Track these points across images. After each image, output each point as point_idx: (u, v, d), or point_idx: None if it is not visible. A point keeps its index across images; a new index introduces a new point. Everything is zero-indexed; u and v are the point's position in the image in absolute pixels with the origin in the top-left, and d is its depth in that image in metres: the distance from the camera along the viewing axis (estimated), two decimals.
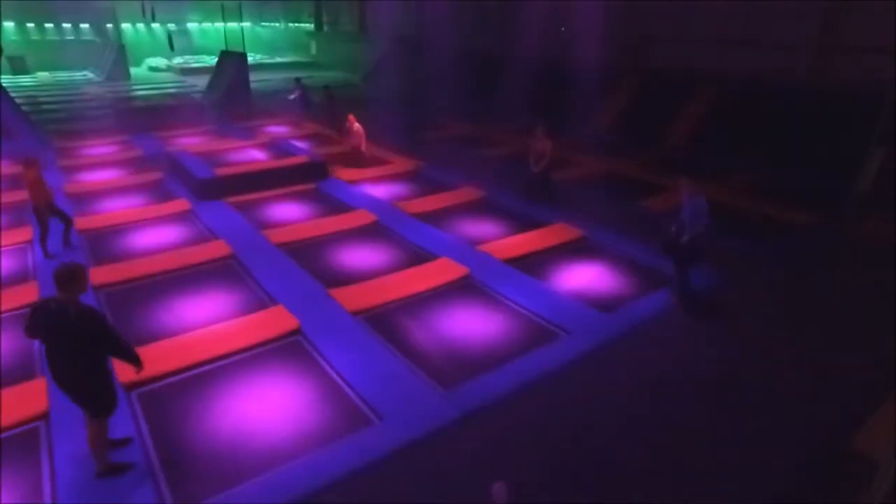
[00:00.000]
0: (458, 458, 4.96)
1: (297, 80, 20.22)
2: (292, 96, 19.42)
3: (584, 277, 8.07)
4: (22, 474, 4.81)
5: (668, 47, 16.54)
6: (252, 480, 4.68)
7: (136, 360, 4.68)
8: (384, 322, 6.88)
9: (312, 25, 36.53)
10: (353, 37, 32.01)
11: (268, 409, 5.51)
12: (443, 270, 8.01)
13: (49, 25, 32.42)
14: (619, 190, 11.44)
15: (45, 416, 5.41)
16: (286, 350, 6.40)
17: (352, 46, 31.47)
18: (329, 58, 33.63)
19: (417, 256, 8.64)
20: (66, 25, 33.08)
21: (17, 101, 17.31)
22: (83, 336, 4.26)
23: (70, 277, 4.22)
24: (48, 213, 8.59)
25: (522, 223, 9.89)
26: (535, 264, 8.37)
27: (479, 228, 9.68)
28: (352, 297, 7.26)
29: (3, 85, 16.53)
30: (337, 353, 6.26)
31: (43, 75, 30.24)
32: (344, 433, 5.18)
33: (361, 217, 10.00)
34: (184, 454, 4.99)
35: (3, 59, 24.13)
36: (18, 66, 29.13)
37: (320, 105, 18.60)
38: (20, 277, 8.21)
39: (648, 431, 5.24)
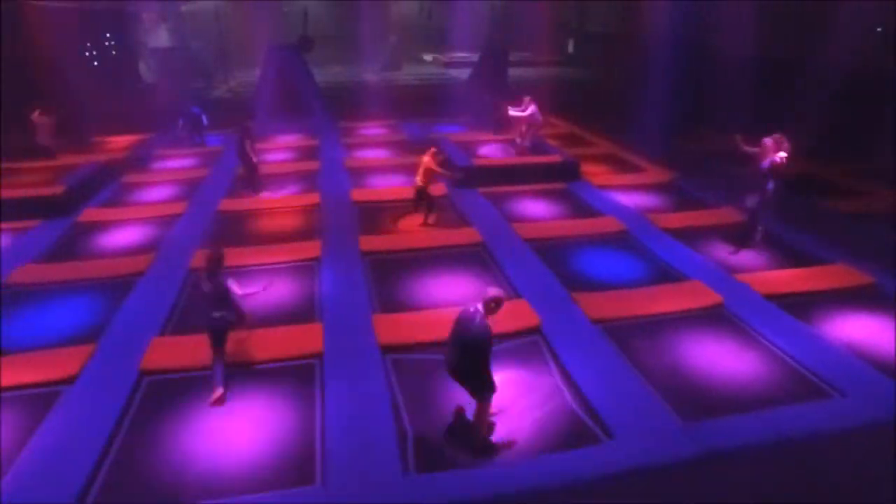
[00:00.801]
0: (693, 497, 4.61)
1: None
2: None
3: (871, 334, 6.81)
4: (300, 399, 5.75)
5: None
6: (481, 469, 4.93)
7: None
8: (626, 336, 6.66)
9: (573, 24, 36.54)
10: (613, 37, 31.25)
11: (500, 400, 5.69)
12: (694, 294, 7.46)
13: (348, 25, 37.52)
14: None
15: (319, 356, 6.33)
16: (524, 346, 6.56)
17: (611, 46, 30.77)
18: (586, 57, 33.38)
19: (666, 274, 8.17)
20: (361, 25, 37.94)
21: None
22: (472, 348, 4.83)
23: (489, 307, 4.81)
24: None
25: (792, 257, 8.74)
26: (804, 306, 7.32)
27: (738, 255, 8.78)
28: (595, 305, 7.15)
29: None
30: (574, 358, 6.24)
31: (335, 66, 35.18)
32: (572, 442, 5.17)
33: (610, 224, 9.78)
34: (427, 421, 5.46)
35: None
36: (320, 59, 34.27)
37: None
38: (308, 234, 9.70)
39: None
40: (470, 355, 4.88)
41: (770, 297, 7.44)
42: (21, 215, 10.09)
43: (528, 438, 5.26)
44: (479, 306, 4.85)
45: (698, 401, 5.65)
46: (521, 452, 5.10)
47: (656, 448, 5.04)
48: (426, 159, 9.40)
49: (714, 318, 7.08)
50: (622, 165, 13.64)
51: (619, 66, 27.81)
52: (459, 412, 5.39)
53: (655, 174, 12.75)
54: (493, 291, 4.90)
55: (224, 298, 5.67)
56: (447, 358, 5.09)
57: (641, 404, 5.57)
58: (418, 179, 9.50)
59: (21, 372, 6.00)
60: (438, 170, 9.50)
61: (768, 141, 8.37)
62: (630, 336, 6.67)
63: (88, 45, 21.43)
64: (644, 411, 5.48)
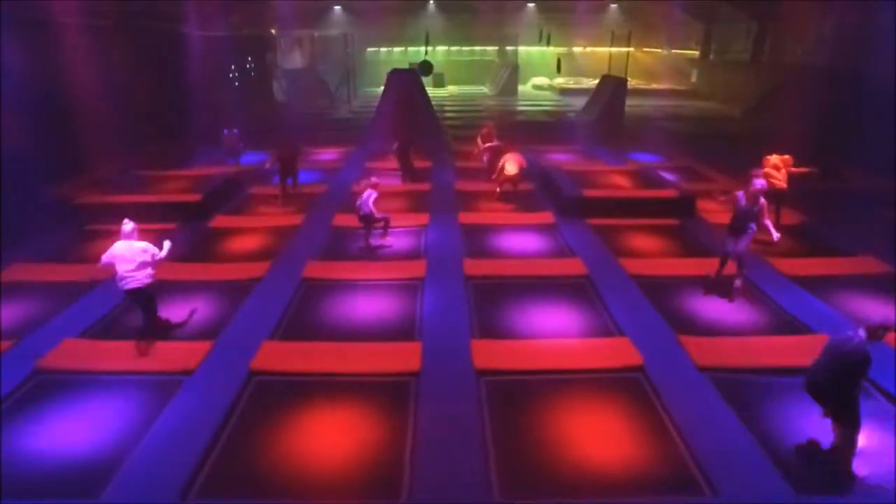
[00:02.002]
0: None
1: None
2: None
3: None
4: (393, 414, 5.84)
5: None
6: (569, 501, 4.79)
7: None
8: (737, 388, 6.17)
9: (697, 52, 35.14)
10: (742, 65, 29.65)
11: (594, 435, 5.54)
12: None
13: (465, 48, 38.67)
14: None
15: (416, 375, 6.43)
16: (623, 384, 6.29)
17: (740, 76, 29.21)
18: (711, 87, 31.92)
19: (788, 325, 7.51)
20: (478, 48, 38.95)
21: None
22: (846, 368, 4.87)
23: (876, 333, 4.88)
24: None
25: None
26: None
27: (879, 311, 7.88)
28: (703, 350, 6.72)
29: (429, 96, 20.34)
30: (678, 403, 5.89)
31: (452, 88, 36.29)
32: (672, 489, 4.90)
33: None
34: (514, 446, 5.39)
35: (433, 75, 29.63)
36: (439, 81, 35.51)
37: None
38: (414, 254, 9.94)
39: None
40: (841, 376, 4.84)
41: None
42: (164, 218, 11.20)
43: (632, 473, 5.06)
44: (861, 331, 4.84)
45: (816, 474, 5.11)
46: (618, 491, 4.89)
47: None
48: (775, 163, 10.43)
49: None
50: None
51: (748, 97, 26.31)
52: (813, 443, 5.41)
53: (782, 215, 11.82)
54: (882, 319, 5.00)
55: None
56: (811, 378, 5.08)
57: (750, 465, 5.13)
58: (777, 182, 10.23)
59: (152, 359, 6.64)
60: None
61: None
62: (741, 388, 6.18)
63: (233, 67, 23.64)
64: (752, 473, 5.04)
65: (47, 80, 12.46)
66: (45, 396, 6.09)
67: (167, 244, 7.04)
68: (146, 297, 6.85)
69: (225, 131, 15.79)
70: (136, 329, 7.10)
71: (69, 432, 5.56)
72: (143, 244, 6.69)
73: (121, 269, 6.60)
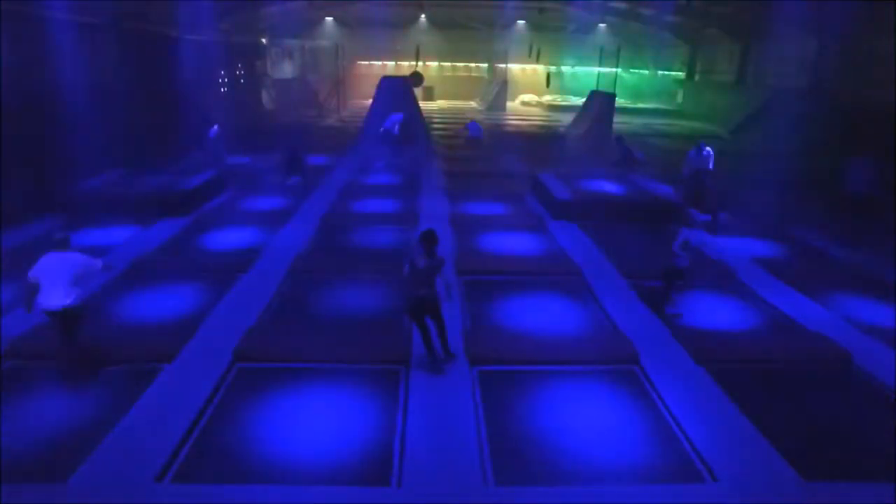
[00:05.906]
0: None
1: (619, 138, 17.02)
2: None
3: None
4: (384, 402, 5.66)
5: None
6: (566, 488, 4.64)
7: None
8: (734, 381, 6.05)
9: (682, 73, 35.70)
10: (727, 86, 30.14)
11: (589, 425, 5.40)
12: (814, 346, 6.73)
13: (456, 64, 38.98)
14: None
15: (405, 362, 6.23)
16: (619, 376, 6.15)
17: (724, 97, 29.66)
18: (696, 107, 32.36)
19: (778, 324, 7.44)
20: (469, 64, 39.27)
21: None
22: None
23: None
24: None
25: None
26: None
27: (868, 311, 7.87)
28: (699, 344, 6.62)
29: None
30: (675, 394, 5.78)
31: (441, 102, 36.46)
32: (667, 479, 4.76)
33: (716, 266, 9.15)
34: (507, 435, 5.23)
35: (423, 88, 29.85)
36: (428, 95, 35.71)
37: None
38: (404, 248, 9.73)
39: None
40: None
41: None
42: (147, 211, 10.94)
43: (627, 462, 4.93)
44: None
45: (824, 462, 5.00)
46: (613, 477, 4.76)
47: (772, 498, 4.54)
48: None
49: (841, 374, 6.33)
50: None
51: (733, 117, 26.69)
52: None
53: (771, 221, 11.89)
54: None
55: (434, 275, 5.83)
56: None
57: (753, 452, 5.03)
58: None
59: (130, 346, 6.36)
60: None
61: None
62: (738, 381, 6.06)
63: (222, 73, 23.49)
64: (756, 460, 4.93)
65: (29, 76, 12.13)
66: (20, 380, 5.80)
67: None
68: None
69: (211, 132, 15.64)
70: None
71: (45, 416, 5.29)
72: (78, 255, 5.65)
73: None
